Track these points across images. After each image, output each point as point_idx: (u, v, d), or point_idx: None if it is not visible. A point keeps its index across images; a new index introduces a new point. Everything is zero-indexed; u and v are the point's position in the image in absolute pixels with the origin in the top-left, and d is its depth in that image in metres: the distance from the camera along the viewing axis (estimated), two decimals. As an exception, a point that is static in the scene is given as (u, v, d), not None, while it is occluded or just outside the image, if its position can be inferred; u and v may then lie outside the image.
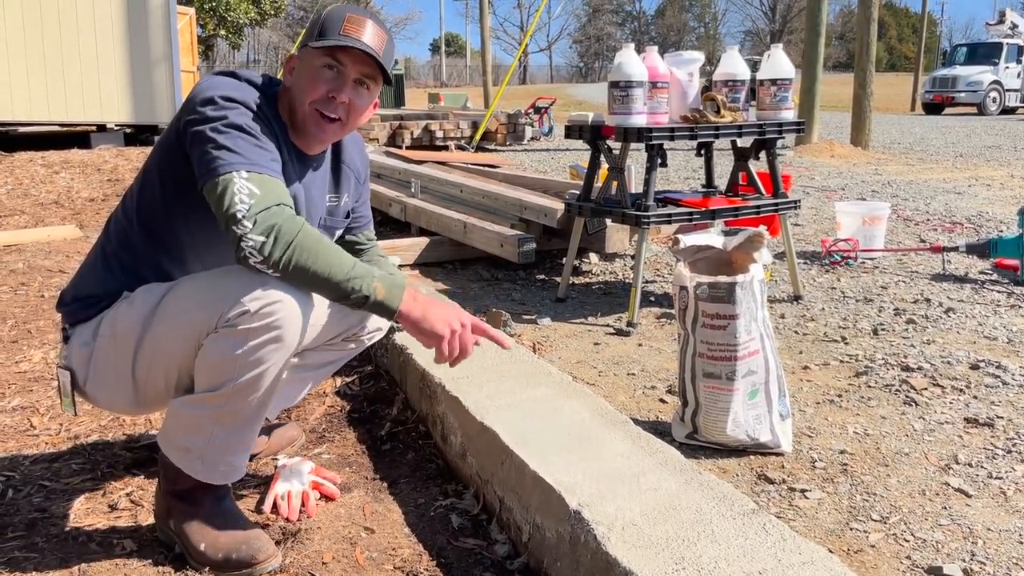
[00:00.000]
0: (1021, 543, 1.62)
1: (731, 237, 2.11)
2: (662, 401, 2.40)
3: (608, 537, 1.34)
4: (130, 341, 1.49)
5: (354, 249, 1.84)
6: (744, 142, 3.46)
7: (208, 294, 1.44)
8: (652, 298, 3.53)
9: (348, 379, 2.40)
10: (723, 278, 1.99)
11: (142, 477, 1.84)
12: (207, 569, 1.49)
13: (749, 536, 1.34)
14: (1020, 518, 1.72)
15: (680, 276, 2.06)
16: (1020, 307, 3.30)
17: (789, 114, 3.29)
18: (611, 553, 1.30)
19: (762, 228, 2.12)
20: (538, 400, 1.92)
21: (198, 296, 1.45)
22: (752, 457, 2.02)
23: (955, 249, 3.89)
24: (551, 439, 1.69)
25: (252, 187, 1.39)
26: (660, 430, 2.09)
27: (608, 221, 3.78)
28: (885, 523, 1.71)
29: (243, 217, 1.37)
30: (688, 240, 2.10)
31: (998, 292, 3.51)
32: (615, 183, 3.29)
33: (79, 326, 1.56)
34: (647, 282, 3.77)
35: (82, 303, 1.57)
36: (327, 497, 1.78)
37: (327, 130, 1.57)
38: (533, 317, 3.23)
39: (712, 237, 2.11)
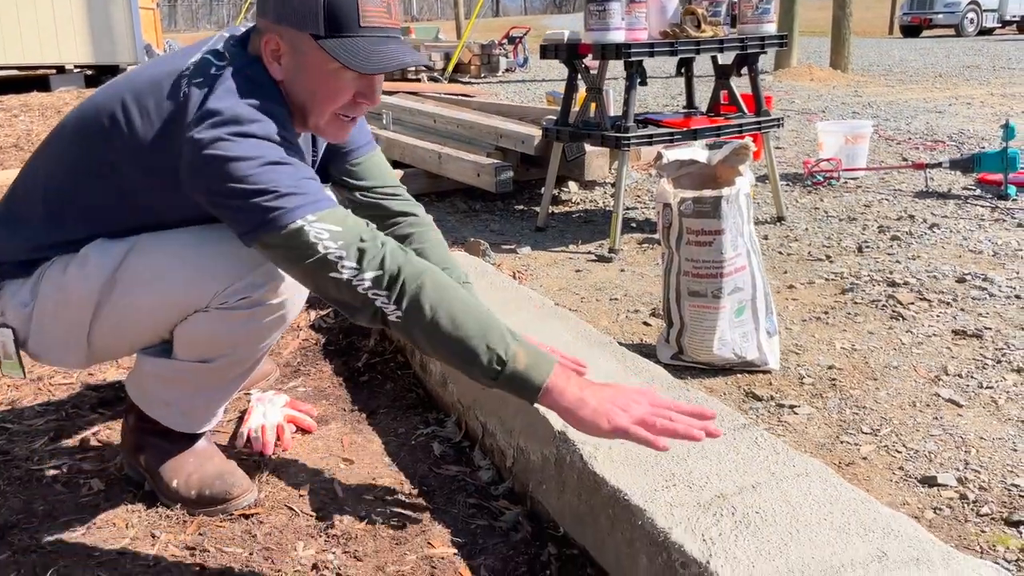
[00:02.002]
0: (1014, 451, 1.60)
1: (716, 151, 2.03)
2: (646, 324, 2.35)
3: (595, 456, 1.29)
4: (86, 308, 1.33)
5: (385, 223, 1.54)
6: (725, 58, 3.34)
7: (192, 271, 1.30)
8: (634, 224, 3.45)
9: (323, 312, 2.32)
10: (708, 192, 1.91)
11: (108, 417, 1.77)
12: (179, 506, 1.43)
13: (740, 450, 1.29)
14: (1012, 426, 1.69)
15: (663, 193, 1.98)
16: (1004, 220, 3.26)
17: (771, 27, 3.17)
18: (598, 472, 1.25)
19: (748, 140, 2.03)
20: (520, 325, 1.84)
21: (179, 272, 1.30)
22: (739, 376, 1.98)
23: (938, 166, 3.83)
24: (533, 362, 1.63)
25: (329, 226, 1.15)
26: (645, 353, 2.03)
27: (587, 146, 3.68)
28: (876, 435, 1.68)
29: (340, 259, 1.14)
30: (671, 155, 2.01)
31: (982, 207, 3.47)
32: (593, 105, 3.18)
33: (8, 281, 1.37)
34: (628, 209, 3.69)
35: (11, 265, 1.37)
36: (303, 430, 1.72)
37: (348, 130, 1.33)
38: (513, 247, 3.15)
39: (696, 151, 2.03)
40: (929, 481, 1.50)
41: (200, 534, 1.38)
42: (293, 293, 1.37)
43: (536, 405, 1.17)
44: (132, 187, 1.28)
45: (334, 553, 1.32)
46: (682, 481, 1.21)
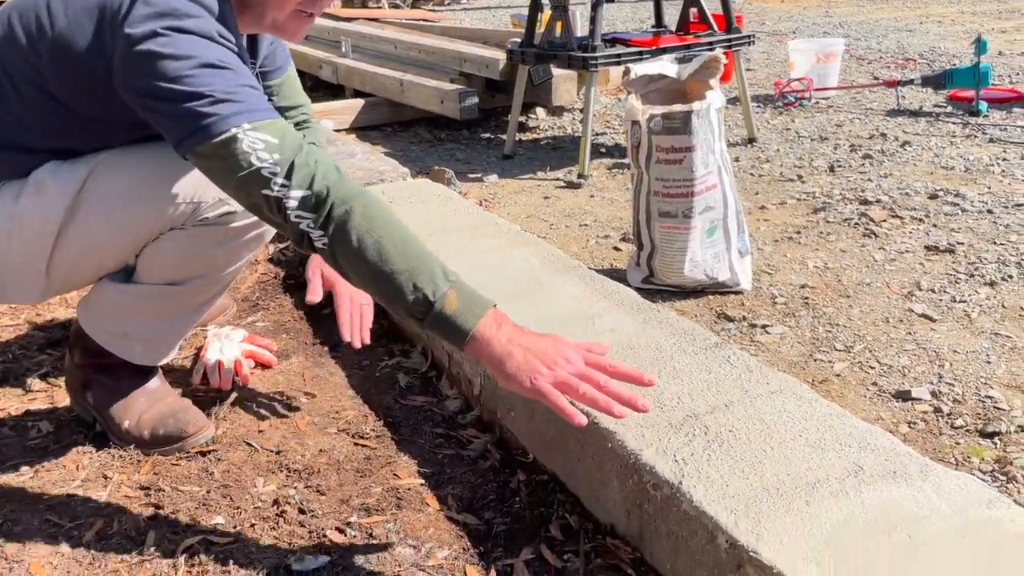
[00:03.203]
0: (988, 363, 1.58)
1: (685, 65, 1.94)
2: (616, 249, 2.29)
3: (563, 381, 1.24)
4: (46, 237, 1.23)
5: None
6: (695, -27, 3.22)
7: (166, 187, 1.21)
8: (603, 149, 3.37)
9: (281, 245, 2.23)
10: (677, 107, 1.83)
11: (57, 358, 1.69)
12: (133, 447, 1.37)
13: (712, 369, 1.25)
14: (985, 339, 1.67)
15: (632, 110, 1.90)
16: (976, 137, 3.23)
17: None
18: (567, 397, 1.21)
19: (718, 51, 1.95)
20: (486, 251, 1.79)
21: (150, 189, 1.22)
22: (711, 297, 1.94)
23: (910, 83, 3.77)
24: (500, 287, 1.57)
25: (265, 137, 1.06)
26: (616, 278, 1.98)
27: (554, 70, 3.56)
28: (849, 352, 1.66)
29: (273, 175, 1.05)
30: (639, 69, 1.93)
31: (953, 124, 3.43)
32: (559, 24, 3.06)
33: None
34: (597, 134, 3.60)
35: None
36: (263, 365, 1.66)
37: (306, 27, 1.23)
38: (479, 175, 3.06)
39: (665, 65, 1.94)
40: (903, 396, 1.48)
41: (155, 474, 1.32)
42: None
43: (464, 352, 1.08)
44: (69, 96, 1.18)
45: (296, 488, 1.28)
46: (653, 403, 1.17)
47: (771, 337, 1.74)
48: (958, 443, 1.35)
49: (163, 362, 1.43)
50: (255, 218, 1.26)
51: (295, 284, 2.07)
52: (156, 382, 1.44)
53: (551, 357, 1.04)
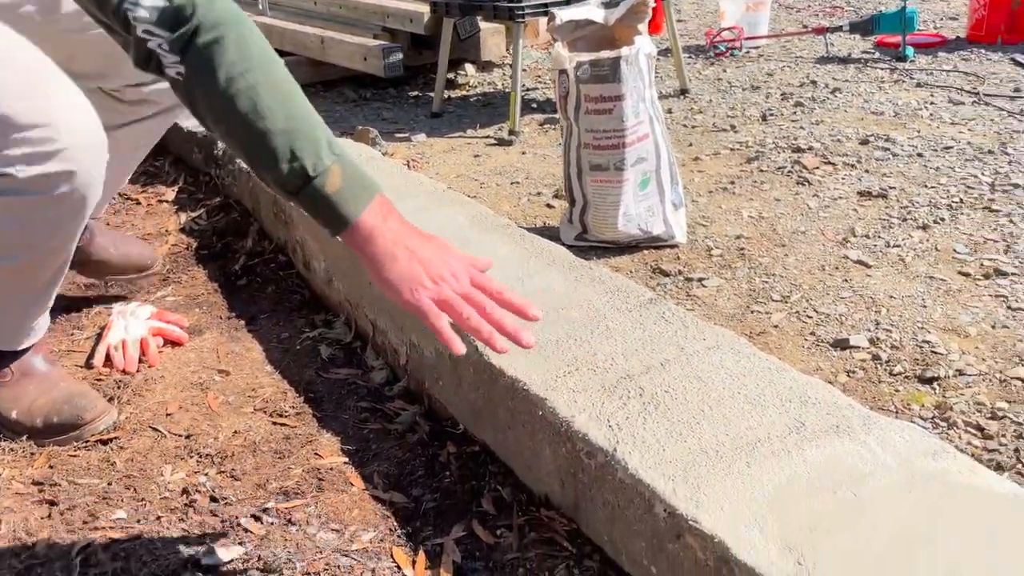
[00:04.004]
0: (924, 307, 1.56)
1: (612, 10, 1.86)
2: (549, 207, 2.22)
3: (491, 346, 1.16)
4: None
5: None
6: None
7: None
8: (534, 105, 3.28)
9: (194, 214, 2.10)
10: (606, 54, 1.75)
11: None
12: (25, 438, 1.25)
13: (647, 327, 1.19)
14: (921, 283, 1.66)
15: (558, 58, 1.81)
16: (904, 82, 3.23)
17: None
18: (494, 363, 1.13)
19: (646, -6, 1.86)
20: (410, 211, 1.65)
21: None
22: (646, 252, 1.88)
23: (839, 29, 3.75)
24: (423, 250, 1.48)
25: None
26: (549, 236, 1.90)
27: (481, 23, 3.43)
28: (787, 302, 1.62)
29: None
30: (565, 15, 1.83)
31: (881, 69, 3.42)
32: (483, -27, 2.92)
33: None
34: (528, 90, 3.50)
35: None
36: (173, 343, 1.54)
37: None
38: (407, 135, 2.94)
39: (591, 10, 1.85)
40: (841, 344, 1.45)
41: (50, 467, 1.21)
42: (87, 160, 1.10)
43: (339, 239, 0.91)
44: None
45: (207, 475, 1.18)
46: (585, 365, 1.11)
47: (707, 290, 1.69)
48: (897, 390, 1.32)
49: (29, 344, 1.29)
50: (58, 190, 1.08)
51: (209, 255, 1.94)
52: (45, 366, 1.31)
53: (437, 269, 0.90)
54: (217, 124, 0.89)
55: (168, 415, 1.32)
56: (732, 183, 2.29)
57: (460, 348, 0.88)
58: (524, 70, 3.86)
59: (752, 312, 1.60)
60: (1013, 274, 1.66)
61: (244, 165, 2.06)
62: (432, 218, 1.64)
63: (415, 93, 3.58)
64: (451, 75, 3.68)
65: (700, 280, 1.73)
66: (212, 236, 2.01)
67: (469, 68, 3.88)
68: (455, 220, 1.62)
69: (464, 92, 3.59)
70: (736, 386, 1.04)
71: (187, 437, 1.27)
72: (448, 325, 0.88)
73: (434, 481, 1.17)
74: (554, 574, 0.98)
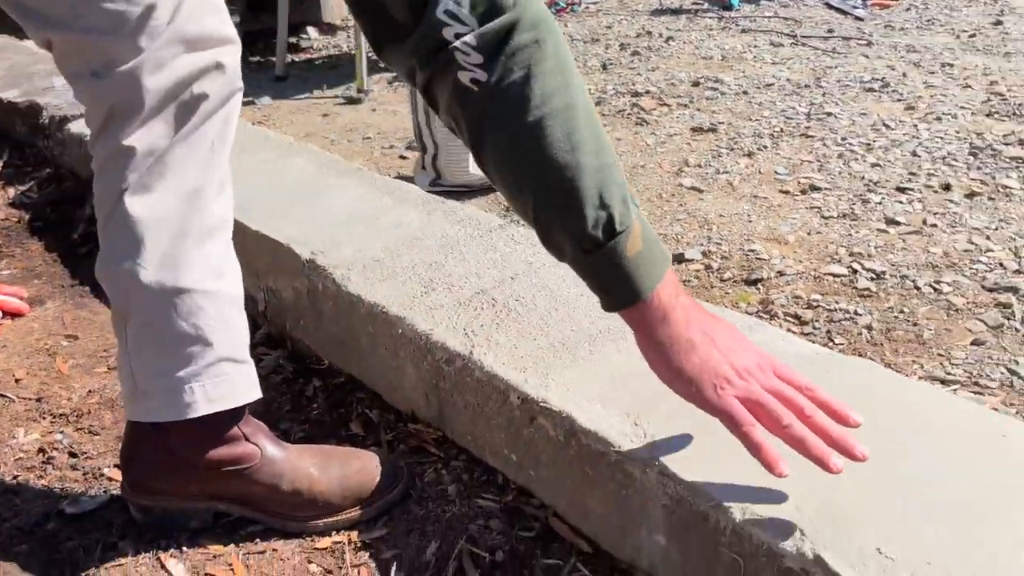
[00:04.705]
0: (749, 222, 1.70)
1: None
2: (403, 158, 2.24)
3: (348, 278, 1.19)
4: None
5: None
6: None
7: None
8: (382, 64, 3.26)
9: (23, 187, 1.99)
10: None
11: None
12: None
13: (499, 248, 1.25)
14: (746, 202, 1.80)
15: (396, 5, 1.83)
16: (730, 29, 3.44)
17: None
18: (353, 292, 1.16)
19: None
20: (258, 164, 1.67)
21: None
22: (499, 193, 1.94)
23: (670, -17, 3.94)
24: (275, 198, 1.48)
25: None
26: (402, 183, 1.94)
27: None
28: (629, 227, 1.73)
29: None
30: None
31: (710, 18, 3.63)
32: (317, -70, 2.87)
33: None
34: (374, 50, 3.48)
35: None
36: (13, 314, 1.47)
37: None
38: (250, 98, 2.86)
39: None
40: (678, 258, 1.57)
41: None
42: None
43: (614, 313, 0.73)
44: None
45: (63, 432, 1.15)
46: (441, 284, 1.15)
47: (557, 223, 1.78)
48: (728, 292, 1.45)
49: None
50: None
51: (45, 226, 1.85)
52: None
53: (741, 360, 0.71)
54: (507, 154, 0.69)
55: (17, 381, 1.27)
56: (577, 126, 2.39)
57: (784, 469, 0.67)
58: (369, 32, 3.83)
59: (599, 238, 1.70)
60: (825, 188, 1.84)
61: (72, 131, 1.96)
62: (281, 168, 1.63)
63: (256, 58, 3.48)
64: (293, 39, 3.60)
65: (550, 214, 1.82)
66: (46, 207, 1.91)
67: (312, 31, 3.81)
68: (305, 169, 1.62)
69: (308, 55, 3.52)
70: (580, 290, 1.11)
71: (38, 400, 1.22)
72: (763, 435, 0.69)
73: (301, 415, 1.19)
74: (424, 478, 1.03)
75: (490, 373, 0.96)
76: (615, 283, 0.70)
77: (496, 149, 0.69)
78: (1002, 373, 1.17)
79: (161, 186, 0.86)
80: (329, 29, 3.83)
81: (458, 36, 0.65)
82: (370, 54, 3.30)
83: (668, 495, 0.79)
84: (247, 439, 0.96)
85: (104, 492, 1.04)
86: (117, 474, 1.07)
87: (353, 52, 3.45)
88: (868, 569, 0.66)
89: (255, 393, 0.95)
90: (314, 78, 3.13)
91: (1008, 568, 0.65)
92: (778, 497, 0.73)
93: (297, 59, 3.44)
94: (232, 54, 0.88)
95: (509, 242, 1.27)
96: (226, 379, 0.92)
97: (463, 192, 1.95)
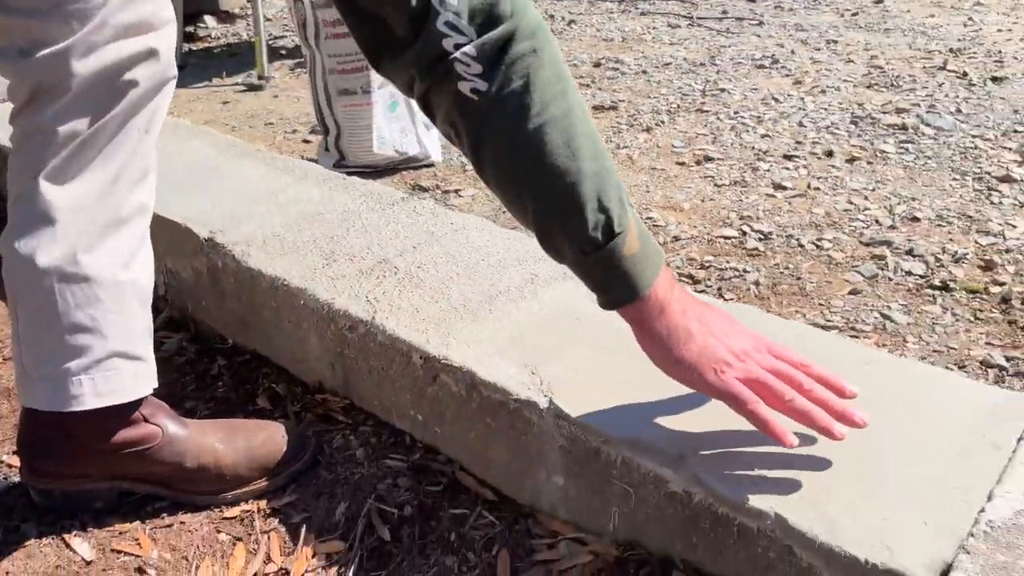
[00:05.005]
0: (648, 192, 1.77)
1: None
2: (306, 142, 2.22)
3: (248, 254, 1.19)
4: None
5: None
6: None
7: None
8: (284, 51, 3.21)
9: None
10: (337, -22, 1.77)
11: None
12: None
13: (400, 220, 1.27)
14: (645, 174, 1.87)
15: (291, -15, 1.81)
16: (630, 12, 3.52)
17: None
18: (253, 267, 1.16)
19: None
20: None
21: None
22: (404, 173, 1.96)
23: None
24: (171, 180, 1.45)
25: None
26: (306, 166, 1.93)
27: (215, -30, 3.29)
28: (533, 201, 1.77)
29: None
30: (292, -58, 1.83)
31: (610, 2, 3.71)
32: (208, -86, 2.80)
33: None
34: (276, 38, 3.42)
35: None
36: None
37: None
38: (147, 88, 2.78)
39: (319, -63, 1.86)
40: (580, 228, 1.61)
41: None
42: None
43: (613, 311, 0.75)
44: None
45: (-47, 424, 1.11)
46: (343, 256, 1.16)
47: (463, 199, 1.80)
48: (627, 257, 1.50)
49: None
50: None
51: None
52: None
53: (737, 343, 0.74)
54: (508, 162, 0.70)
55: None
56: (481, 107, 2.41)
57: (793, 440, 0.70)
58: (269, 19, 3.76)
59: (504, 213, 1.73)
60: (719, 159, 1.92)
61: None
62: (177, 151, 1.60)
63: (153, 48, 3.37)
64: (190, 28, 3.51)
65: (456, 191, 1.84)
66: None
67: (209, 20, 3.71)
68: (203, 151, 1.60)
69: (207, 44, 3.44)
70: (480, 255, 1.14)
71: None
72: (769, 411, 0.71)
73: (207, 393, 1.18)
74: (332, 444, 1.04)
75: (392, 336, 0.98)
76: (614, 283, 0.72)
77: (496, 156, 0.70)
78: (875, 318, 1.26)
79: (78, 171, 0.85)
80: (227, 17, 3.74)
81: (458, 47, 0.66)
82: (270, 41, 3.26)
83: (563, 436, 0.82)
84: (147, 420, 0.95)
85: (3, 478, 1.01)
86: (16, 460, 1.04)
87: (252, 39, 3.39)
88: (741, 487, 0.71)
89: (146, 390, 0.94)
90: (213, 66, 3.06)
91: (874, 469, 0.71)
92: (664, 430, 0.78)
93: (195, 48, 3.35)
94: (167, 39, 0.87)
95: (411, 214, 1.29)
96: (116, 374, 0.91)
97: (368, 173, 1.95)
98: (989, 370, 1.13)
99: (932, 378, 0.85)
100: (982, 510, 0.67)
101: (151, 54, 0.85)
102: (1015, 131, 1.97)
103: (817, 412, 0.70)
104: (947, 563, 0.63)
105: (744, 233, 1.55)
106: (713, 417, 0.76)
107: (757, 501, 0.70)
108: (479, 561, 0.86)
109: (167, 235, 1.32)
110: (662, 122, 2.19)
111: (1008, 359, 1.14)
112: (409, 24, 0.66)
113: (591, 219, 0.69)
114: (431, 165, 1.99)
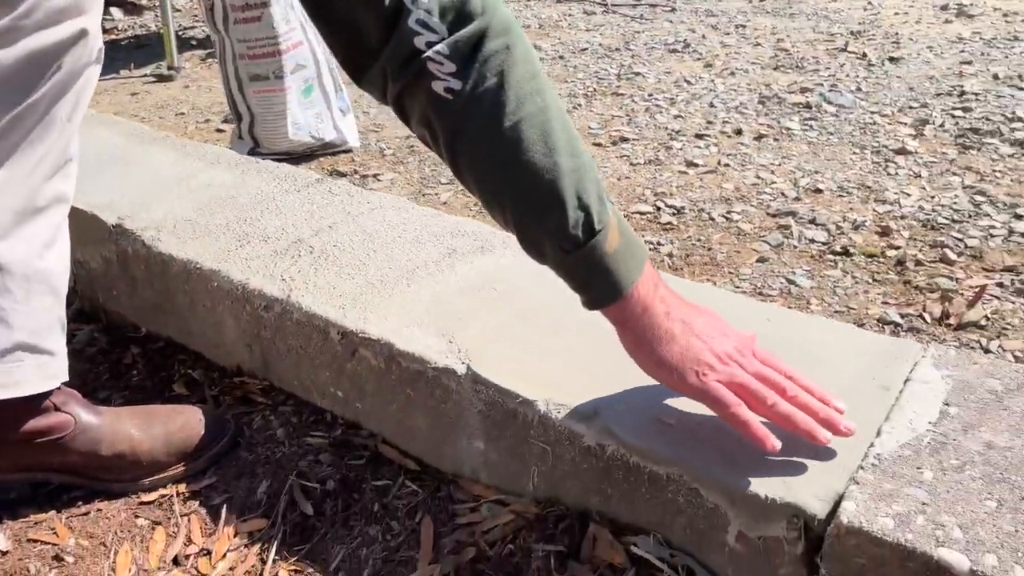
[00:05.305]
0: (564, 171, 1.79)
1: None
2: (219, 131, 2.18)
3: (158, 239, 1.17)
4: None
5: None
6: None
7: None
8: (194, 42, 3.14)
9: None
10: (245, -39, 1.75)
11: None
12: None
13: (315, 200, 1.26)
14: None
15: (197, -31, 1.77)
16: (546, 0, 3.56)
17: None
18: (164, 252, 1.14)
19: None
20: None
21: None
22: (322, 159, 1.94)
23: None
24: (81, 166, 1.40)
25: None
26: (220, 155, 1.89)
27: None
28: (453, 183, 1.78)
29: None
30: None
31: (527, -9, 3.74)
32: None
33: None
34: (186, 28, 3.34)
35: None
36: None
37: None
38: (49, 80, 2.68)
39: (225, -79, 1.83)
40: (499, 208, 1.63)
41: None
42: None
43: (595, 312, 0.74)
44: None
45: None
46: (257, 237, 1.15)
47: (383, 183, 1.80)
48: (545, 234, 1.53)
49: None
50: None
51: None
52: None
53: (721, 345, 0.72)
54: (485, 161, 0.69)
55: None
56: (399, 94, 2.41)
57: (775, 444, 0.68)
58: (178, 10, 3.66)
59: (424, 195, 1.73)
60: (634, 139, 1.97)
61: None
62: (84, 141, 1.55)
63: (55, 40, 3.24)
64: (95, 18, 3.39)
65: (375, 175, 1.83)
66: None
67: (116, 12, 3.60)
68: (111, 139, 1.55)
69: (113, 36, 3.33)
70: (397, 232, 1.15)
71: None
72: (751, 415, 0.69)
73: (121, 382, 1.16)
74: (252, 426, 1.03)
75: (309, 313, 0.98)
76: (596, 281, 0.71)
77: (473, 156, 0.69)
78: (781, 283, 1.31)
79: None
80: (134, 9, 3.63)
81: (430, 45, 0.65)
82: (180, 32, 3.17)
83: (482, 400, 0.84)
84: (58, 409, 0.93)
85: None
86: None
87: (161, 30, 3.30)
88: (651, 436, 0.74)
89: (53, 383, 0.91)
90: (120, 58, 2.97)
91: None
92: (579, 387, 0.80)
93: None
94: (96, 18, 0.84)
95: (327, 195, 1.29)
96: (19, 367, 0.88)
97: (284, 160, 1.92)
98: (885, 327, 1.19)
99: (828, 330, 0.90)
100: (871, 445, 0.71)
101: (81, 35, 0.82)
102: (910, 107, 2.07)
103: (800, 416, 0.69)
104: (839, 494, 0.67)
105: (658, 208, 1.59)
106: (626, 373, 0.79)
107: (666, 449, 0.73)
108: (402, 529, 0.87)
109: (74, 224, 1.27)
110: (579, 105, 2.23)
111: (903, 316, 1.21)
112: (382, 25, 0.66)
113: (571, 216, 0.68)
114: (349, 151, 1.97)
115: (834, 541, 0.65)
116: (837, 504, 0.66)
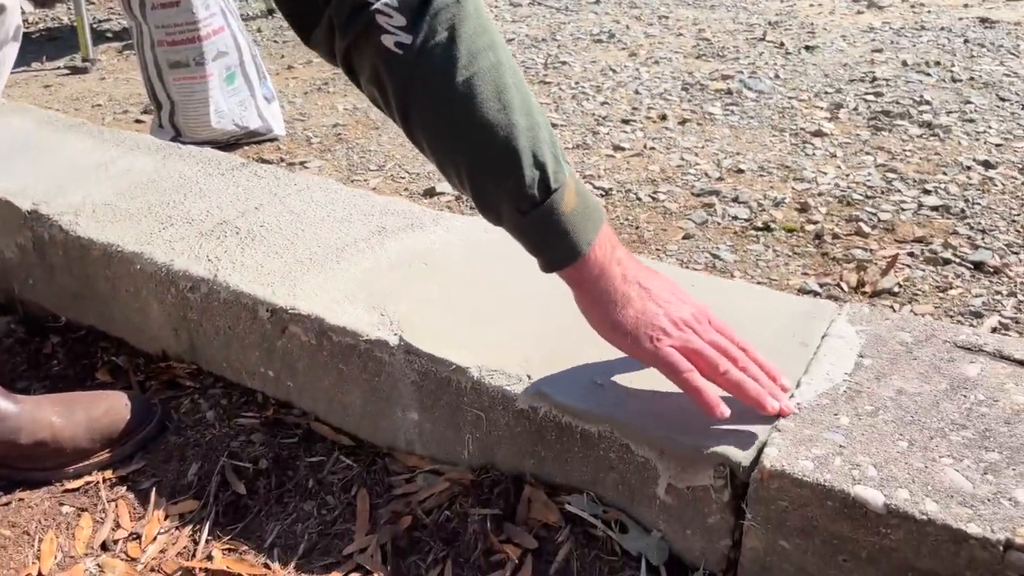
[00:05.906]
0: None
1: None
2: (138, 122, 2.12)
3: (77, 223, 1.13)
4: None
5: None
6: None
7: None
8: (111, 34, 3.04)
9: None
10: (161, -56, 1.70)
11: None
12: None
13: (241, 183, 1.24)
14: (491, 140, 1.90)
15: (111, -47, 1.72)
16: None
17: None
18: (83, 236, 1.11)
19: None
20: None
21: None
22: (247, 148, 1.90)
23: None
24: (-15, 155, 1.35)
25: None
26: (140, 145, 1.84)
27: (26, -53, 3.06)
28: (382, 170, 1.77)
29: None
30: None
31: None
32: None
33: None
34: (102, 21, 3.23)
35: None
36: None
37: None
38: (-46, 73, 2.55)
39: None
40: (430, 192, 1.63)
41: None
42: None
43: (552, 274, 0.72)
44: None
45: None
46: (180, 220, 1.13)
47: (310, 171, 1.78)
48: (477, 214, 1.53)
49: None
50: None
51: None
52: None
53: (677, 311, 0.72)
54: (438, 118, 0.66)
55: None
56: (326, 84, 2.38)
57: (725, 411, 0.69)
58: (92, 2, 3.54)
59: (353, 181, 1.72)
60: (562, 125, 1.99)
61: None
62: (-7, 129, 1.49)
63: (-41, 32, 3.10)
64: (2, 10, 3.25)
65: (302, 163, 1.81)
66: None
67: (26, 6, 3.45)
68: (23, 126, 1.49)
69: (24, 29, 3.19)
70: (326, 212, 1.14)
71: None
72: (704, 382, 0.69)
73: (41, 371, 1.12)
74: (180, 410, 1.01)
75: (237, 292, 0.96)
76: (553, 241, 0.69)
77: (425, 114, 0.67)
78: (706, 257, 1.35)
79: None
80: (45, 2, 3.49)
81: (384, 3, 0.63)
82: (95, 25, 3.07)
83: (415, 371, 0.84)
84: None
85: None
86: None
87: (74, 22, 3.18)
88: (583, 396, 0.75)
89: None
90: (32, 51, 2.86)
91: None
92: (511, 352, 0.81)
93: (8, 31, 3.11)
94: None
95: (252, 177, 1.27)
96: None
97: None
98: (805, 296, 1.24)
99: (750, 293, 0.93)
100: (791, 396, 0.74)
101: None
102: (825, 92, 2.15)
103: (749, 384, 0.70)
104: (763, 442, 0.69)
105: (587, 190, 1.62)
106: (559, 340, 0.80)
107: (596, 408, 0.75)
108: (338, 503, 0.86)
109: (-17, 212, 1.24)
110: (507, 93, 2.24)
111: (821, 285, 1.26)
112: None
113: (527, 175, 0.66)
114: (275, 140, 1.94)
115: (758, 486, 0.67)
116: (760, 451, 0.68)
